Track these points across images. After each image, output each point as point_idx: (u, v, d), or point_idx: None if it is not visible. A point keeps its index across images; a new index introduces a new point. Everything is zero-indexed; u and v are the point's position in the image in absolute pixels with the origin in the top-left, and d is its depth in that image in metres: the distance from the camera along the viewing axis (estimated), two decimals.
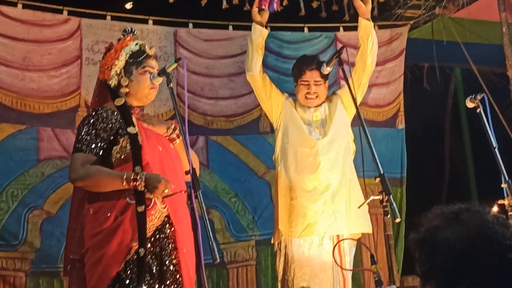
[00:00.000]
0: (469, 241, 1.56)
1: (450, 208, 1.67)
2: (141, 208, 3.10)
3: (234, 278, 5.61)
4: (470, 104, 3.93)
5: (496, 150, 3.81)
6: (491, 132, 3.84)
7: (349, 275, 4.09)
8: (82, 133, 3.23)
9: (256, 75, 4.25)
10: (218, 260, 2.78)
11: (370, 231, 4.26)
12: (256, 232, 5.69)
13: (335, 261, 3.58)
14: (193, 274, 3.16)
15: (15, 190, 5.09)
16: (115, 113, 3.28)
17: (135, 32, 3.44)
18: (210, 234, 2.79)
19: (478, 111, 3.89)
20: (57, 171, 5.15)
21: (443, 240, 1.59)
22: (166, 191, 3.10)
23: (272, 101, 4.30)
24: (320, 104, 4.27)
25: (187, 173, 2.97)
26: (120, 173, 3.13)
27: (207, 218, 2.87)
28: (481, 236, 1.57)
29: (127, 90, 3.35)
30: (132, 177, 3.09)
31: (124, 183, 3.09)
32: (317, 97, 4.22)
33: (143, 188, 3.10)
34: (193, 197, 2.87)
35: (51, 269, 5.03)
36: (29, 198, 5.13)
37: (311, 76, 4.18)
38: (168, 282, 3.16)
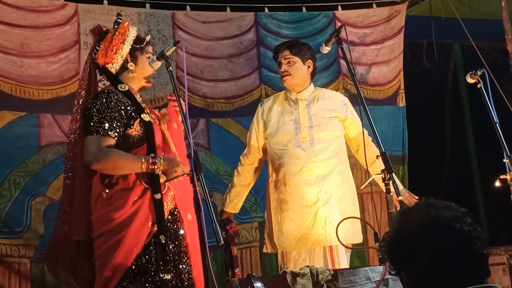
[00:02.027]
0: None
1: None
2: (158, 196, 3.11)
3: (238, 260, 5.61)
4: (470, 80, 3.93)
5: (497, 125, 3.81)
6: (492, 107, 3.84)
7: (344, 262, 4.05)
8: (96, 114, 3.15)
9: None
10: (222, 242, 2.78)
11: (361, 241, 4.18)
12: (259, 214, 5.69)
13: (339, 240, 3.57)
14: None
15: (17, 177, 5.09)
16: (123, 97, 3.25)
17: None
18: (213, 217, 2.80)
19: (478, 86, 3.89)
20: (59, 157, 5.13)
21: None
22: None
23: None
24: (304, 90, 4.17)
25: (188, 156, 2.97)
26: (139, 156, 3.13)
27: (210, 201, 2.87)
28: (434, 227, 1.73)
29: (134, 74, 3.34)
30: (151, 161, 3.10)
31: (144, 166, 3.09)
32: (289, 75, 4.12)
33: (160, 172, 3.11)
34: (195, 180, 2.87)
35: None
36: (32, 185, 5.13)
37: (281, 55, 4.16)
38: (182, 263, 3.17)
